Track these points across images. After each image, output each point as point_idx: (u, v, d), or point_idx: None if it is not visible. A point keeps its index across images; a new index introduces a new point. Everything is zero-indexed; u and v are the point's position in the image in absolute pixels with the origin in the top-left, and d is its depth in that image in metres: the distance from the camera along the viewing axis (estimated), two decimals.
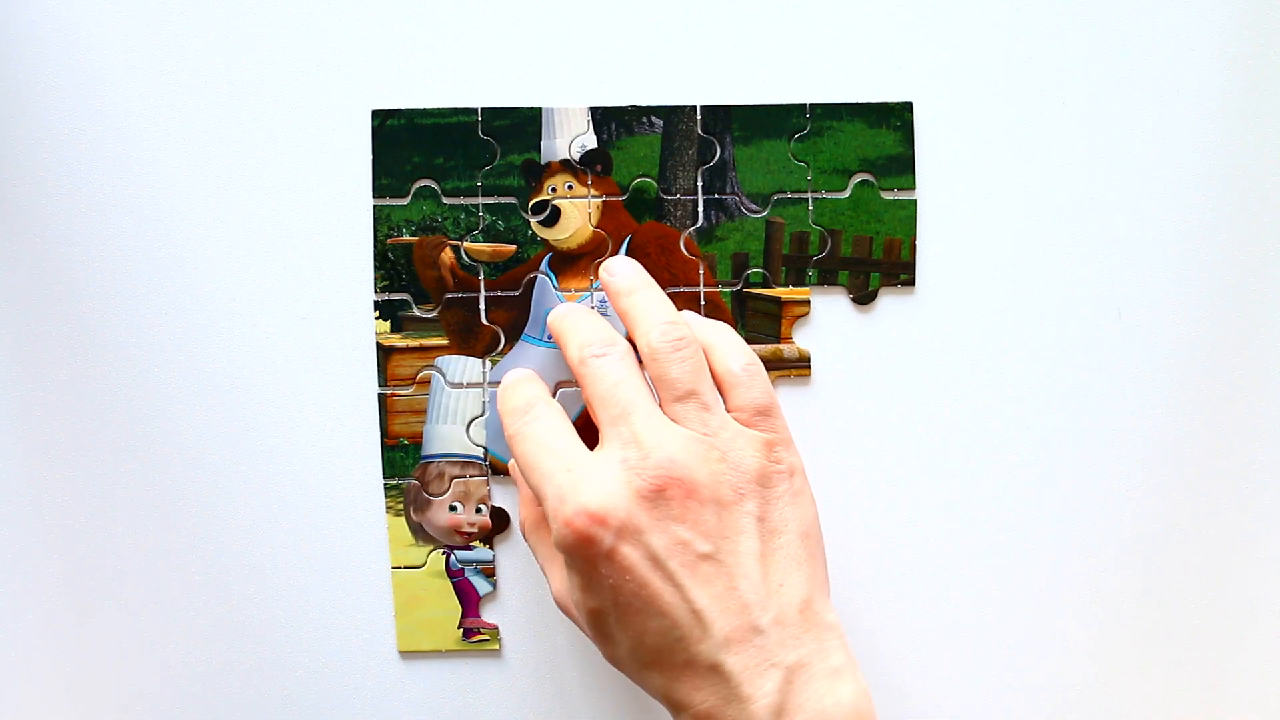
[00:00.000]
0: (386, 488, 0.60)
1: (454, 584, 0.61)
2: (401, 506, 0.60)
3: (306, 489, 0.60)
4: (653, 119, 0.60)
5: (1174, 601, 0.61)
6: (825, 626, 0.50)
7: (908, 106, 0.60)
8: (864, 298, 0.61)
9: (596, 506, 0.48)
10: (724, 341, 0.55)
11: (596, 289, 0.61)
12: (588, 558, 0.48)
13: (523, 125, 0.60)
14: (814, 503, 0.52)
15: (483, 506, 0.61)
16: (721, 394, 0.53)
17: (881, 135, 0.60)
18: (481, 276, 0.61)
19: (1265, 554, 0.62)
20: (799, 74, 0.60)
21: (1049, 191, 0.60)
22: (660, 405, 0.51)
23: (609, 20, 0.60)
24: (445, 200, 0.60)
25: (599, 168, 0.60)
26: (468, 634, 0.61)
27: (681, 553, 0.48)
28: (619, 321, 0.60)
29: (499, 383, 0.60)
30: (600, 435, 0.51)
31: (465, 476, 0.60)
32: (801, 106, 0.60)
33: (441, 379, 0.60)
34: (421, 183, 0.60)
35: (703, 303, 0.61)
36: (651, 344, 0.52)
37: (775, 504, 0.50)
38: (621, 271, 0.56)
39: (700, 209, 0.61)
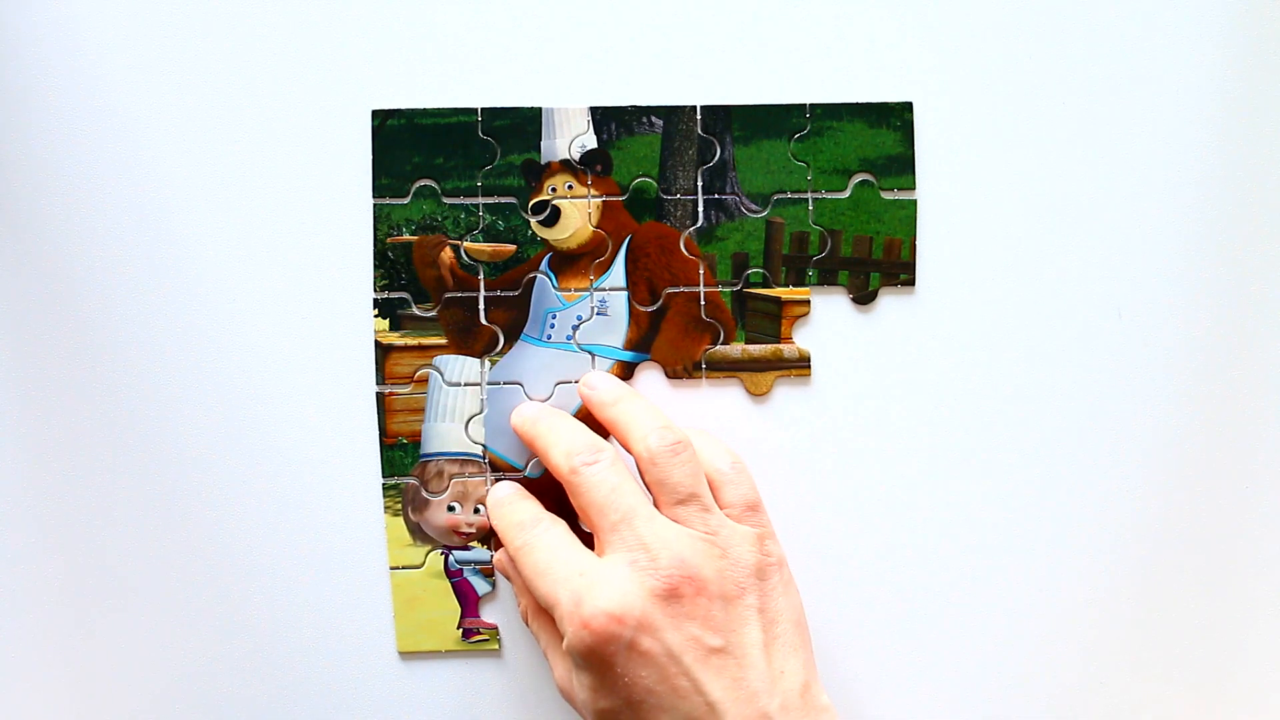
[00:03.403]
0: (385, 487, 0.60)
1: (453, 584, 0.61)
2: (400, 506, 0.60)
3: (306, 488, 0.60)
4: (653, 119, 0.60)
5: (1174, 601, 0.61)
6: (822, 709, 0.53)
7: (908, 106, 0.60)
8: (864, 298, 0.61)
9: (614, 607, 0.50)
10: (707, 442, 0.57)
11: (595, 289, 0.61)
12: (605, 657, 0.50)
13: (523, 125, 0.60)
14: (798, 592, 0.55)
15: (481, 507, 0.60)
16: (711, 490, 0.55)
17: (881, 135, 0.60)
18: (481, 276, 0.61)
19: (1265, 554, 0.61)
20: (799, 74, 0.60)
21: (1049, 191, 0.60)
22: (658, 506, 0.54)
23: (609, 20, 0.60)
24: (445, 200, 0.60)
25: (599, 168, 0.60)
26: (467, 634, 0.61)
27: (695, 647, 0.50)
28: (617, 321, 0.60)
29: (498, 382, 0.61)
30: (600, 540, 0.53)
31: (464, 475, 0.60)
32: (801, 106, 0.60)
33: (439, 378, 0.60)
34: (421, 182, 0.60)
35: (703, 303, 0.61)
36: (650, 448, 0.54)
37: (771, 595, 0.53)
38: (601, 384, 0.58)
39: (700, 209, 0.61)
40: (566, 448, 0.55)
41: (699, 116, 0.60)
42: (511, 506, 0.57)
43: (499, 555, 0.58)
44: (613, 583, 0.50)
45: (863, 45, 0.60)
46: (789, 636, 0.53)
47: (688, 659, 0.50)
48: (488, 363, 0.61)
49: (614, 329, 0.61)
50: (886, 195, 0.60)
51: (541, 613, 0.55)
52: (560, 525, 0.55)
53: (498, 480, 0.60)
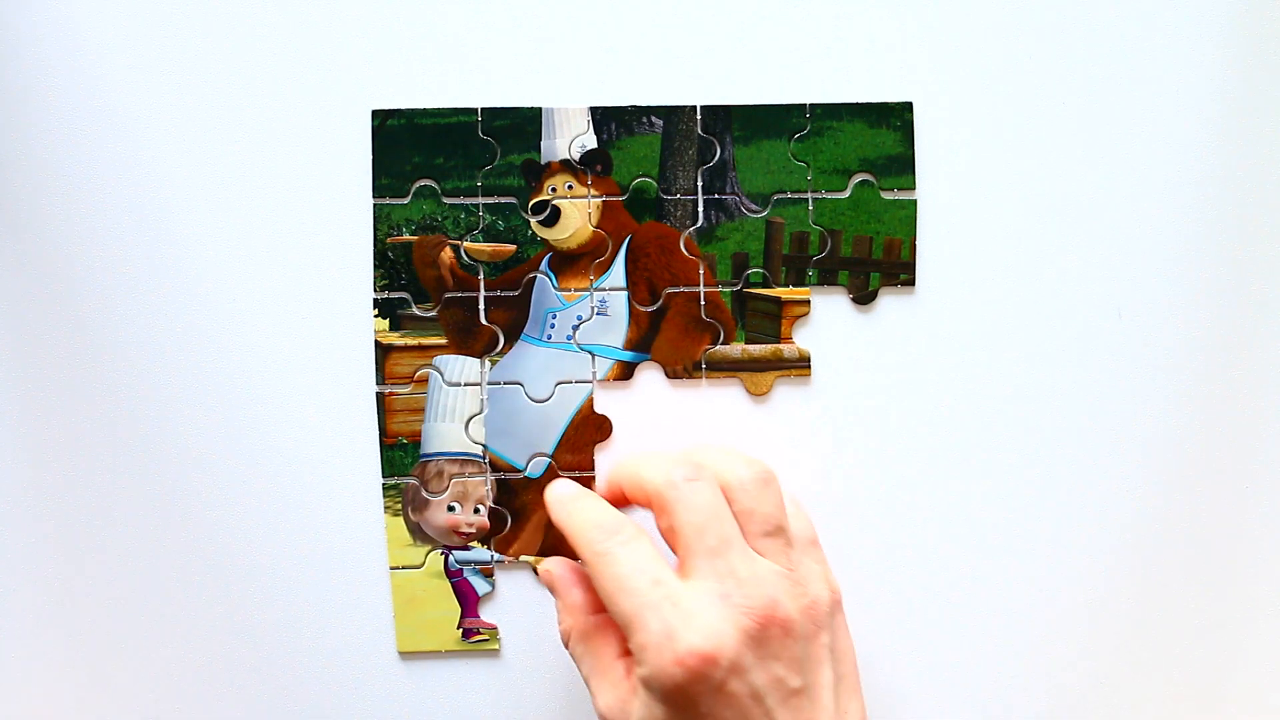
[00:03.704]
0: (385, 487, 0.60)
1: (453, 584, 0.61)
2: (400, 506, 0.60)
3: (306, 488, 0.60)
4: (653, 119, 0.60)
5: (1173, 601, 0.61)
6: None
7: (908, 106, 0.60)
8: (864, 298, 0.61)
9: (710, 646, 0.48)
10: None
11: (595, 289, 0.61)
12: (692, 696, 0.49)
13: (523, 125, 0.60)
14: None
15: (481, 507, 0.60)
16: None
17: (881, 135, 0.60)
18: (481, 276, 0.61)
19: (1265, 554, 0.61)
20: (799, 74, 0.60)
21: (1049, 191, 0.60)
22: (745, 536, 0.52)
23: (609, 20, 0.60)
24: (445, 200, 0.60)
25: (599, 168, 0.60)
26: (467, 634, 0.61)
27: (778, 688, 0.49)
28: (617, 321, 0.60)
29: (498, 382, 0.61)
30: (689, 562, 0.51)
31: (464, 475, 0.60)
32: (801, 106, 0.60)
33: (439, 377, 0.60)
34: (421, 182, 0.60)
35: (703, 302, 0.61)
36: (741, 479, 0.52)
37: (840, 634, 0.53)
38: (691, 451, 0.56)
39: (700, 209, 0.61)
40: (665, 465, 0.52)
41: (699, 116, 0.60)
42: (584, 503, 0.53)
43: (548, 565, 0.55)
44: (706, 618, 0.49)
45: (863, 45, 0.60)
46: (851, 677, 0.53)
47: (770, 700, 0.49)
48: (488, 363, 0.61)
49: (614, 329, 0.61)
50: (886, 195, 0.60)
51: (594, 636, 0.53)
52: (645, 536, 0.52)
53: (553, 480, 0.57)
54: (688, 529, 0.51)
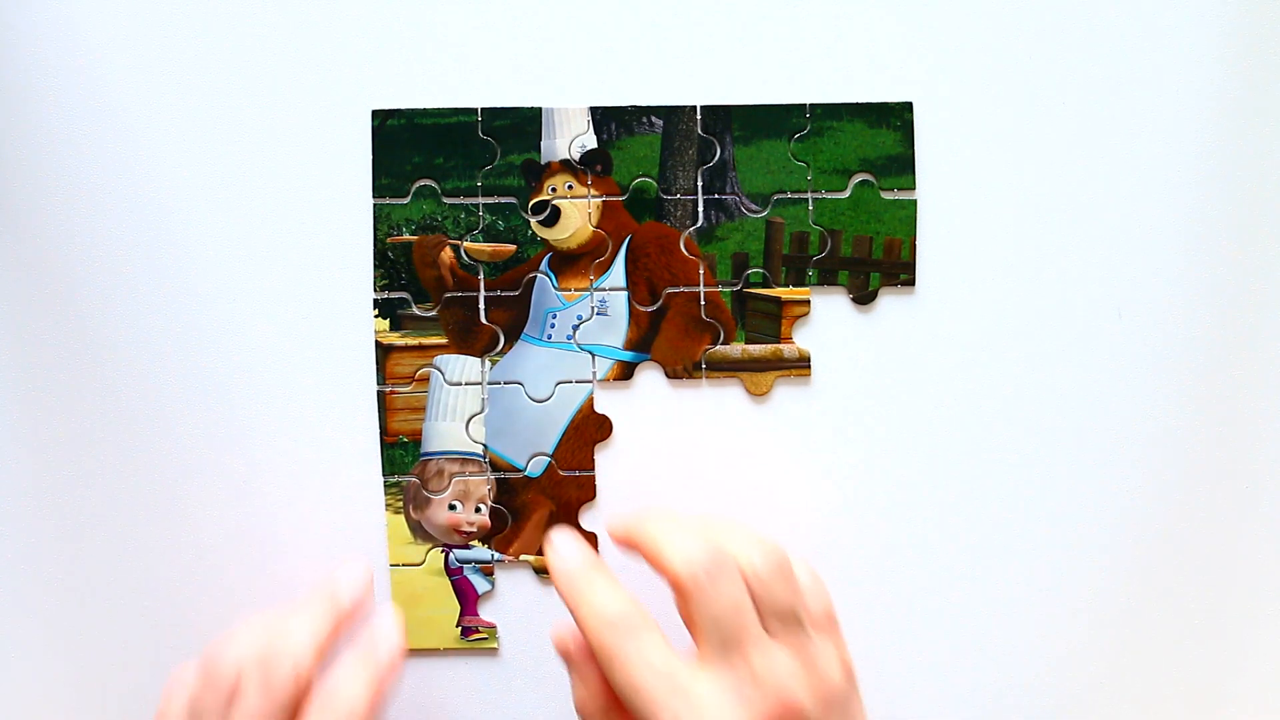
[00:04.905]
0: (386, 485, 0.60)
1: (452, 582, 0.61)
2: (401, 504, 0.60)
3: (307, 486, 0.60)
4: (653, 119, 0.60)
5: (1173, 602, 0.61)
6: None
7: (908, 106, 0.60)
8: (864, 298, 0.61)
9: None
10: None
11: (595, 289, 0.61)
12: None
13: (523, 125, 0.60)
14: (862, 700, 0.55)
15: (482, 506, 0.61)
16: None
17: (881, 135, 0.60)
18: (481, 276, 0.61)
19: (1265, 554, 0.61)
20: (799, 74, 0.60)
21: (1049, 191, 0.60)
22: (760, 617, 0.52)
23: (609, 20, 0.60)
24: (445, 200, 0.60)
25: (599, 168, 0.61)
26: (466, 632, 0.61)
27: None
28: (617, 321, 0.60)
29: (499, 382, 0.61)
30: (705, 652, 0.52)
31: (465, 475, 0.61)
32: (801, 106, 0.60)
33: (440, 377, 0.60)
34: (421, 182, 0.60)
35: (703, 303, 0.61)
36: (756, 568, 0.53)
37: (852, 709, 0.53)
38: (710, 531, 0.56)
39: (700, 209, 0.61)
40: (685, 554, 0.52)
41: (699, 116, 0.60)
42: (592, 584, 0.53)
43: (563, 638, 0.54)
44: (719, 713, 0.50)
45: (863, 45, 0.60)
46: None
47: None
48: (488, 362, 0.61)
49: (614, 329, 0.61)
50: (886, 195, 0.61)
51: (612, 712, 0.53)
52: (656, 631, 0.52)
53: (553, 529, 0.56)
54: (707, 623, 0.51)
